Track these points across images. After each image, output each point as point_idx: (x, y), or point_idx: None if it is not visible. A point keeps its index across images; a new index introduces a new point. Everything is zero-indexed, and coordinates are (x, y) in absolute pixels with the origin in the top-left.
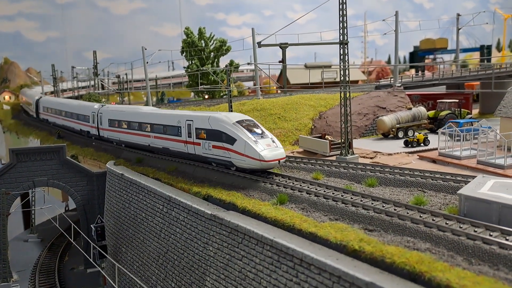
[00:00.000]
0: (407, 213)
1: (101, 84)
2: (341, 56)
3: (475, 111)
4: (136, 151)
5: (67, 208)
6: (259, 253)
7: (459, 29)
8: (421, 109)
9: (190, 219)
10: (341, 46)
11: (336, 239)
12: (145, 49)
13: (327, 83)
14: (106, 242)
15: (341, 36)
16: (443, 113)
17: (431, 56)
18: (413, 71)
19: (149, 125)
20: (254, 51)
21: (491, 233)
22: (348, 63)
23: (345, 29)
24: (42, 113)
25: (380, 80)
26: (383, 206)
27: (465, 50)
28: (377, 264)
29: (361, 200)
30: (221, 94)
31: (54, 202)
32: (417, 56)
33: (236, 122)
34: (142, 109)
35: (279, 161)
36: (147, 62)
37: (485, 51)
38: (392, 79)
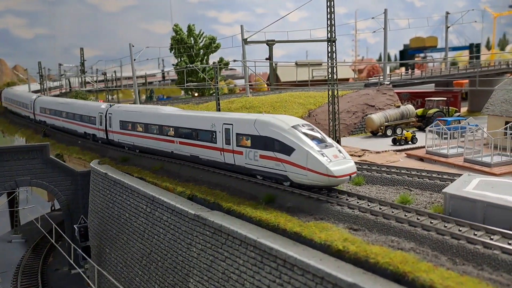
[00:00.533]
0: (392, 212)
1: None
2: (329, 54)
3: (464, 109)
4: (123, 150)
5: (53, 208)
6: (242, 254)
7: (448, 27)
8: (410, 107)
9: (173, 219)
10: (329, 43)
11: (321, 239)
12: (133, 46)
13: (318, 81)
14: (90, 242)
15: (329, 34)
16: (431, 111)
17: (421, 55)
18: (403, 69)
19: (173, 129)
20: (243, 49)
21: (476, 232)
22: (336, 60)
23: (333, 27)
24: (38, 114)
25: (370, 78)
26: (368, 205)
27: (455, 49)
28: (361, 264)
29: (347, 199)
30: (211, 92)
31: (40, 202)
32: (407, 55)
33: (292, 127)
34: (164, 109)
35: (350, 176)
36: (135, 59)
37: (474, 49)
38: (381, 77)
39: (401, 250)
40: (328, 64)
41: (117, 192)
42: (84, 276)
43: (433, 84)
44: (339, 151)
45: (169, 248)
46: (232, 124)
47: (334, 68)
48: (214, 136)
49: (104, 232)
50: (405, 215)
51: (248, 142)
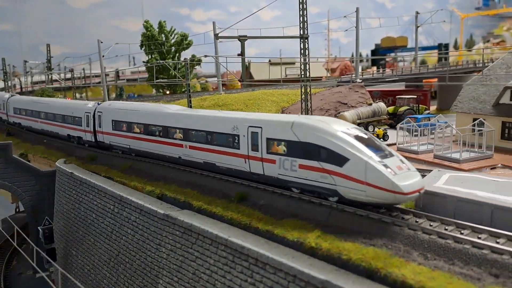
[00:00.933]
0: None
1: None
2: (302, 50)
3: (434, 107)
4: (92, 149)
5: (17, 210)
6: (213, 254)
7: (418, 26)
8: (381, 105)
9: (142, 219)
10: (302, 40)
11: (293, 237)
12: (101, 42)
13: (291, 79)
14: (55, 245)
15: (302, 30)
16: (402, 108)
17: (392, 54)
18: (375, 68)
19: (181, 131)
20: (215, 45)
21: (447, 227)
22: (308, 57)
23: (305, 23)
24: (12, 115)
25: (342, 76)
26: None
27: (424, 48)
28: (334, 261)
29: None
30: (183, 89)
31: (3, 204)
32: (378, 54)
33: (342, 131)
34: (170, 108)
35: (419, 192)
36: (103, 56)
37: (443, 49)
38: (353, 75)
39: (373, 246)
40: (300, 60)
41: (83, 192)
42: (47, 280)
43: (404, 83)
44: (402, 161)
45: (137, 249)
46: (261, 127)
47: (307, 65)
48: (236, 141)
49: (70, 234)
50: (378, 211)
51: (283, 149)
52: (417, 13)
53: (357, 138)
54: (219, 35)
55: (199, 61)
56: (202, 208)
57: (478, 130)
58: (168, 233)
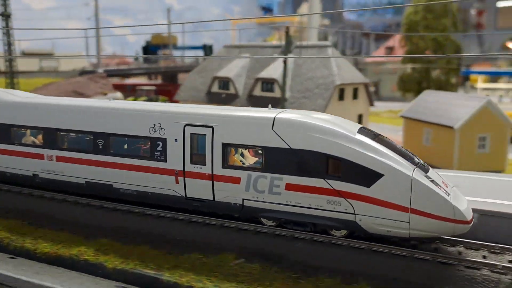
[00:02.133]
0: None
1: None
2: (3, 30)
3: None
4: None
5: None
6: None
7: (171, 23)
8: (117, 94)
9: None
10: (3, 17)
11: None
12: None
13: (48, 72)
14: None
15: (3, 8)
16: (141, 99)
17: (165, 51)
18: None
19: (39, 132)
20: None
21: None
22: (12, 36)
23: (6, 1)
24: None
25: (85, 67)
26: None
27: (192, 48)
28: None
29: None
30: None
31: None
32: (149, 50)
33: (359, 132)
34: (14, 94)
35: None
36: None
37: (207, 49)
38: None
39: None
40: (4, 40)
41: None
42: None
43: (159, 77)
44: (438, 174)
45: None
46: (211, 127)
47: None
48: (159, 148)
49: None
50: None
51: (255, 161)
52: (169, 10)
53: (381, 142)
54: None
55: None
56: None
57: None
58: None
